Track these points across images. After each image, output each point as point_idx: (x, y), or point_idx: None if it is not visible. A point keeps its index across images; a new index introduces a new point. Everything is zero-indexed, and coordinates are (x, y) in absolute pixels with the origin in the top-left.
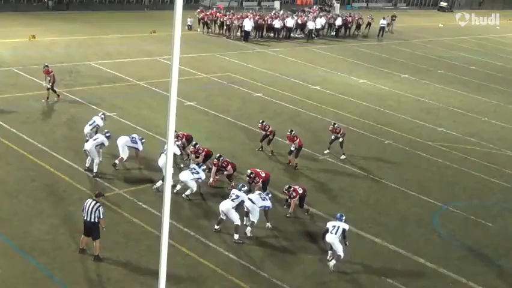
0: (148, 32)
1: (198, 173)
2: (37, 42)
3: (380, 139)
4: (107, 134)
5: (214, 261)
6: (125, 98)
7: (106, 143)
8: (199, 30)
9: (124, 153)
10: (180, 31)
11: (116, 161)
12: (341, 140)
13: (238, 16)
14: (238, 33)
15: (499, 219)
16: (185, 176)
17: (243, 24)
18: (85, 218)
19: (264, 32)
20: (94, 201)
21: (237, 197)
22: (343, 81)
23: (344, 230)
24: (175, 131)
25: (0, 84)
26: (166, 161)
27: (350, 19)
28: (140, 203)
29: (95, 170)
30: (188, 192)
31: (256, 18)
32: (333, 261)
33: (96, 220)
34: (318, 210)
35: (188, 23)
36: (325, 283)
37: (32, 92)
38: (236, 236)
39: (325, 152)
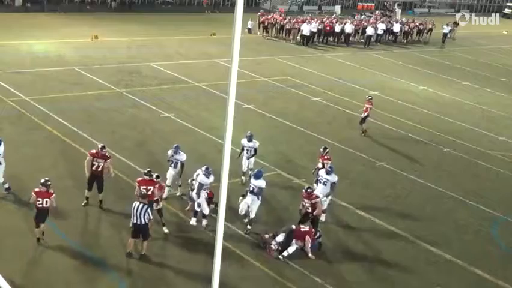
0: (208, 34)
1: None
2: (99, 43)
3: (439, 147)
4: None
5: (267, 264)
6: (184, 99)
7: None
8: (259, 33)
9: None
10: (240, 34)
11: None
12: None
13: (299, 20)
14: (298, 37)
15: None
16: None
17: (302, 28)
18: (135, 222)
19: (324, 37)
20: (142, 204)
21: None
22: (403, 88)
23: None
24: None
25: (63, 83)
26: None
27: (412, 25)
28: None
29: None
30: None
31: (317, 23)
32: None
33: (146, 221)
34: (373, 216)
35: (249, 26)
36: None
37: (94, 91)
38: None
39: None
